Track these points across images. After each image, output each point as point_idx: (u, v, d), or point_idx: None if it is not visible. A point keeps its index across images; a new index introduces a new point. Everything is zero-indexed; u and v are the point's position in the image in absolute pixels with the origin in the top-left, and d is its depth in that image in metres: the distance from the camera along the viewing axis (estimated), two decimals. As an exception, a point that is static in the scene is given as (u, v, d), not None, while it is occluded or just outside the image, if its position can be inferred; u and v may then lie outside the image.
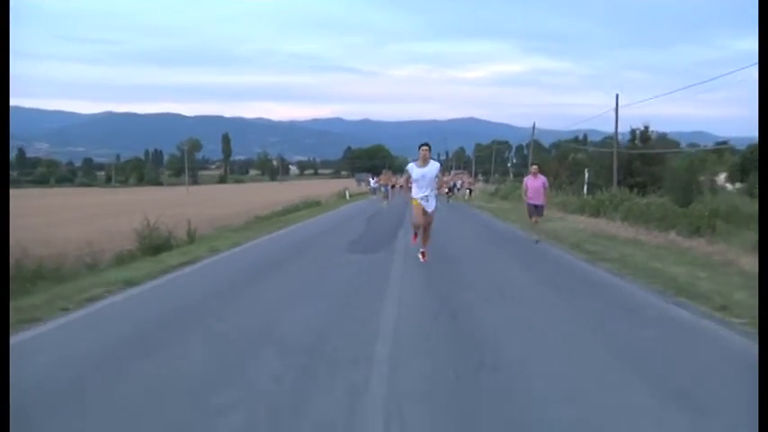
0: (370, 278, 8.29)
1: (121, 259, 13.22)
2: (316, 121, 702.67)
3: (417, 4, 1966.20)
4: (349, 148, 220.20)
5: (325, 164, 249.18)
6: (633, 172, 30.58)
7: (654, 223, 17.68)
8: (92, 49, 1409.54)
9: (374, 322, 5.53)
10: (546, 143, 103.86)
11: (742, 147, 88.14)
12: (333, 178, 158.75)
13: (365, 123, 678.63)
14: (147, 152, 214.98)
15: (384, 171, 39.21)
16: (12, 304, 6.67)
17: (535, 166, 14.56)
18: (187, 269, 9.27)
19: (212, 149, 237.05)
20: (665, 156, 31.29)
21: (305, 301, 6.68)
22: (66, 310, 6.17)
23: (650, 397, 3.70)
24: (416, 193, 9.45)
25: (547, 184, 14.20)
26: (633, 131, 33.10)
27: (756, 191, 42.09)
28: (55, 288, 8.12)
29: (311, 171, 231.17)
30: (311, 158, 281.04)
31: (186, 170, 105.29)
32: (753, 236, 13.04)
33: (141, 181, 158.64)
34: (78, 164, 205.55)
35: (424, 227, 9.57)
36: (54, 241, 16.25)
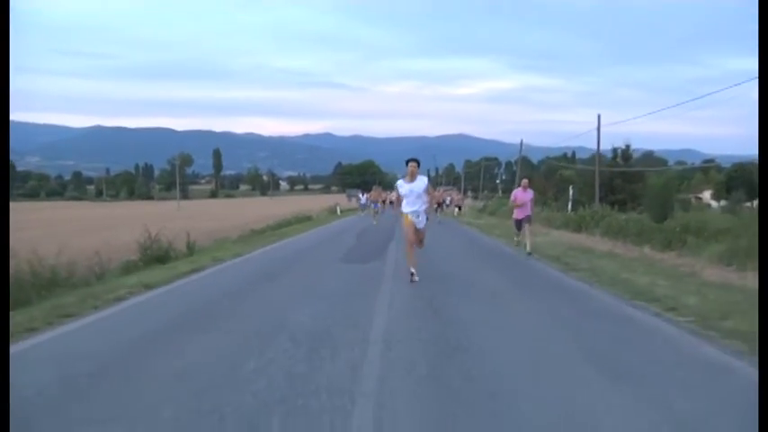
0: (364, 284, 9.20)
1: (127, 268, 13.99)
2: (306, 136, 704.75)
3: (408, 21, 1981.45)
4: (339, 163, 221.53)
5: (316, 179, 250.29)
6: (614, 189, 31.77)
7: (631, 238, 18.69)
8: (82, 63, 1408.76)
9: (368, 318, 6.42)
10: (535, 160, 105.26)
11: (728, 165, 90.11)
12: (323, 194, 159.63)
13: (356, 139, 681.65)
14: (137, 166, 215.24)
15: (374, 187, 39.95)
16: (45, 304, 7.56)
17: (526, 180, 15.07)
18: (196, 276, 10.15)
19: (202, 164, 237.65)
20: (645, 174, 32.42)
21: (308, 301, 7.59)
22: (96, 307, 7.06)
23: (594, 372, 4.62)
24: (406, 208, 9.46)
25: (533, 199, 14.58)
26: (615, 150, 34.36)
27: (738, 208, 43.15)
28: (75, 292, 8.97)
29: (301, 186, 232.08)
30: (301, 174, 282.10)
31: (177, 185, 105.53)
32: (719, 248, 14.07)
33: (132, 195, 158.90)
34: (68, 177, 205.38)
35: (418, 244, 9.66)
36: (58, 252, 17.01)
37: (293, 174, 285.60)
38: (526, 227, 14.11)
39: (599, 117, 29.10)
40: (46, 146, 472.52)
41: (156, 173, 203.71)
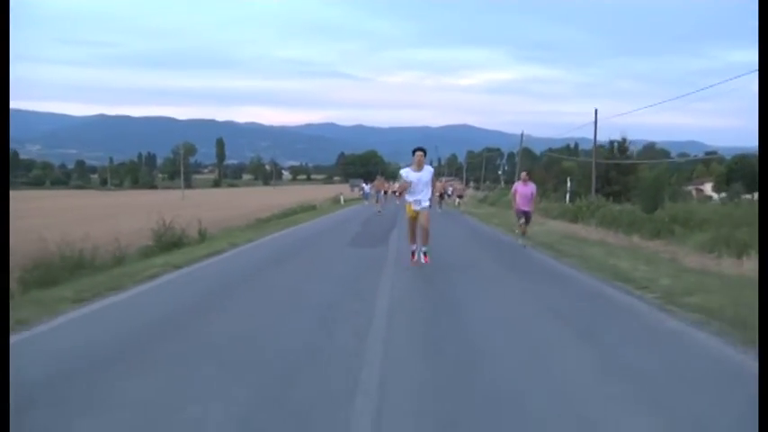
0: (370, 264, 10.11)
1: (145, 253, 14.86)
2: (308, 126, 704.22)
3: (411, 11, 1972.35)
4: (342, 153, 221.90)
5: (318, 169, 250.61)
6: (611, 181, 32.65)
7: (623, 228, 19.58)
8: (85, 51, 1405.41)
9: (374, 293, 7.33)
10: (538, 151, 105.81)
11: (731, 157, 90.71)
12: (325, 184, 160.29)
13: (358, 129, 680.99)
14: (140, 155, 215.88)
15: (378, 177, 40.77)
16: (84, 281, 8.45)
17: (525, 173, 14.81)
18: (216, 258, 11.09)
19: (205, 153, 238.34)
20: (640, 166, 33.32)
21: (320, 279, 8.58)
22: (137, 282, 8.04)
23: (560, 329, 5.55)
24: (411, 196, 9.66)
25: (535, 191, 14.40)
26: (611, 143, 35.21)
27: (737, 199, 43.89)
28: (108, 272, 9.86)
29: (304, 176, 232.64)
30: (304, 163, 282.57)
31: (182, 174, 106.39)
32: (703, 237, 14.96)
33: (136, 184, 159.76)
34: (71, 166, 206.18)
35: (423, 227, 9.64)
36: (74, 239, 17.89)
37: (295, 163, 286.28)
38: (523, 222, 13.99)
39: (596, 111, 29.96)
40: (48, 134, 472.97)
41: (159, 162, 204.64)
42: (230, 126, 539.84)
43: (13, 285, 9.50)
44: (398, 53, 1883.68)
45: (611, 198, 27.09)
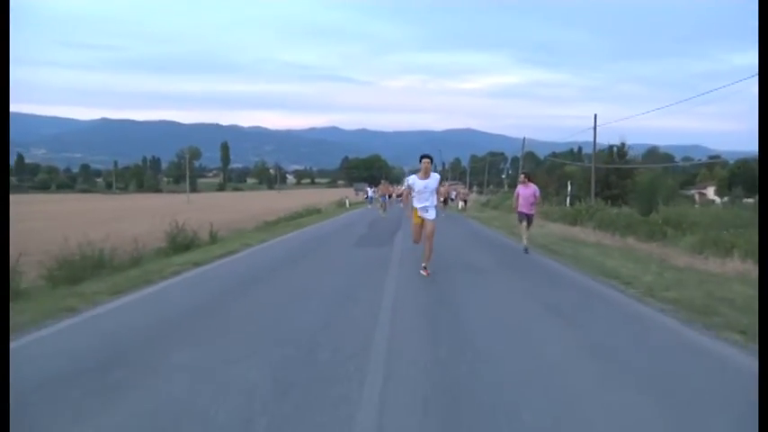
0: (377, 263, 10.88)
1: (160, 254, 15.58)
2: (312, 130, 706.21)
3: (414, 15, 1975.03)
4: (346, 157, 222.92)
5: (322, 173, 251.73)
6: (610, 185, 33.40)
7: (620, 230, 20.27)
8: (89, 55, 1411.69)
9: (381, 285, 8.11)
10: (542, 155, 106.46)
11: (734, 161, 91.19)
12: (329, 187, 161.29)
13: (362, 133, 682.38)
14: (144, 159, 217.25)
15: (382, 181, 41.47)
16: (113, 277, 9.21)
17: (523, 174, 14.61)
18: (232, 257, 11.88)
19: (209, 157, 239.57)
20: (639, 170, 34.09)
21: (332, 274, 9.40)
22: (164, 277, 8.83)
23: (542, 313, 6.29)
24: (417, 204, 9.60)
25: (538, 193, 14.18)
26: (611, 147, 36.02)
27: (737, 203, 44.33)
28: (132, 270, 10.61)
29: (308, 180, 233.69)
30: (308, 167, 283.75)
31: (187, 178, 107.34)
32: (693, 239, 15.66)
33: (141, 188, 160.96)
34: (75, 170, 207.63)
35: (427, 238, 9.56)
36: (89, 240, 18.69)
37: (299, 167, 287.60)
38: (525, 224, 13.87)
39: (595, 117, 30.69)
40: (52, 138, 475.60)
41: (164, 166, 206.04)
42: (235, 130, 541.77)
43: (41, 282, 10.30)
44: (401, 57, 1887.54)
45: (609, 201, 27.79)
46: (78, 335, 5.44)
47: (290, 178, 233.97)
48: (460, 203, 43.14)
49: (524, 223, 13.87)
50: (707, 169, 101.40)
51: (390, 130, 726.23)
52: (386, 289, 7.89)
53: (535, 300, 7.47)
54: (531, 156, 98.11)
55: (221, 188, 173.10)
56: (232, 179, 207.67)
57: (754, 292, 7.95)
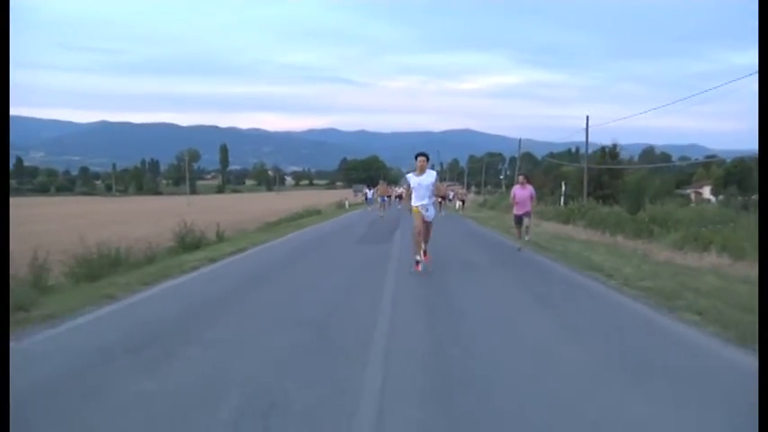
0: (378, 258, 11.74)
1: (171, 253, 16.34)
2: (311, 131, 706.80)
3: (412, 16, 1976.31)
4: (345, 159, 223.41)
5: (321, 174, 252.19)
6: (602, 185, 34.34)
7: (609, 228, 21.10)
8: (87, 58, 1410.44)
9: (382, 276, 8.94)
10: (540, 155, 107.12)
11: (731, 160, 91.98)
12: (328, 189, 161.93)
13: (360, 134, 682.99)
14: (143, 161, 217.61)
15: (381, 182, 42.07)
16: (134, 274, 10.01)
17: (522, 176, 14.89)
18: (243, 254, 12.74)
19: (208, 159, 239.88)
20: (627, 170, 35.07)
21: (337, 268, 10.27)
22: (183, 272, 9.67)
23: (528, 301, 7.11)
24: (415, 201, 9.84)
25: (534, 195, 14.48)
26: (603, 148, 36.99)
27: (732, 202, 45.03)
28: (150, 266, 11.42)
29: (306, 182, 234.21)
30: (306, 169, 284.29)
31: (187, 180, 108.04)
32: (676, 236, 16.48)
33: (140, 190, 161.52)
34: (74, 172, 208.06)
35: (425, 232, 9.90)
36: (98, 241, 19.50)
37: (298, 169, 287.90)
38: (524, 223, 14.07)
39: (587, 118, 31.64)
40: (51, 141, 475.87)
41: (163, 168, 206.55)
42: (233, 132, 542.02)
43: (62, 279, 11.09)
44: (399, 58, 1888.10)
45: (601, 201, 28.69)
46: (121, 318, 6.27)
47: (289, 180, 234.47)
48: (458, 203, 43.92)
49: (522, 226, 14.06)
50: (703, 168, 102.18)
51: (389, 131, 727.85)
52: (386, 280, 8.72)
53: (522, 287, 8.32)
54: (529, 156, 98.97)
55: (220, 190, 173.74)
56: (231, 181, 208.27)
57: (721, 283, 8.82)
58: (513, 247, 14.50)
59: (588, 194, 30.99)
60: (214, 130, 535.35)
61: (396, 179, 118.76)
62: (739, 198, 57.46)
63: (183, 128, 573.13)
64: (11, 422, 2.80)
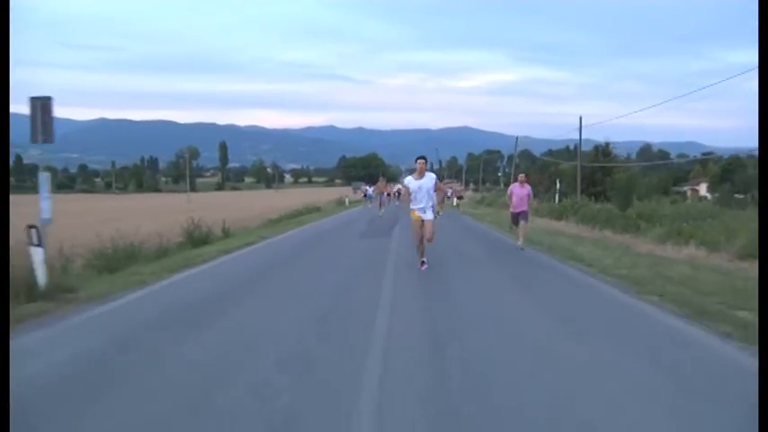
0: (378, 249, 12.67)
1: (181, 247, 17.20)
2: (309, 129, 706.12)
3: (411, 14, 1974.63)
4: (343, 156, 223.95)
5: (319, 172, 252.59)
6: (595, 182, 35.34)
7: (600, 224, 22.03)
8: (86, 55, 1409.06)
9: (382, 266, 9.89)
10: (538, 152, 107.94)
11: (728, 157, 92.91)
12: (327, 186, 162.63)
13: (359, 132, 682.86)
14: (142, 159, 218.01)
15: (380, 179, 42.68)
16: (155, 264, 10.90)
17: (522, 175, 15.05)
18: (252, 247, 13.67)
19: (206, 157, 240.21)
20: (617, 168, 36.11)
21: (342, 258, 11.29)
22: (204, 261, 10.62)
23: (512, 285, 8.05)
24: (414, 204, 9.78)
25: (531, 194, 14.54)
26: (596, 147, 38.03)
27: (728, 198, 45.86)
28: (168, 259, 12.30)
29: (305, 179, 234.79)
30: (305, 166, 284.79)
31: (188, 177, 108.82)
32: (661, 231, 17.40)
33: (140, 187, 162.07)
34: (73, 170, 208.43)
35: (427, 240, 9.79)
36: (114, 236, 20.41)
37: (296, 166, 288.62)
38: (521, 222, 14.05)
39: (580, 118, 32.65)
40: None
41: (162, 165, 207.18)
42: (232, 129, 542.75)
43: (83, 271, 11.95)
44: (398, 55, 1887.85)
45: (594, 198, 29.68)
46: (158, 296, 7.23)
47: (288, 177, 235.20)
48: (455, 200, 44.87)
49: (521, 224, 14.01)
50: (700, 166, 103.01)
51: (388, 128, 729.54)
52: (387, 269, 9.65)
53: (507, 275, 9.27)
54: (527, 153, 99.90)
55: (219, 187, 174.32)
56: (230, 178, 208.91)
57: (691, 272, 9.76)
58: (505, 241, 15.44)
59: (581, 192, 31.98)
60: (213, 127, 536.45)
61: (395, 176, 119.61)
62: (735, 195, 58.31)
63: (181, 125, 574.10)
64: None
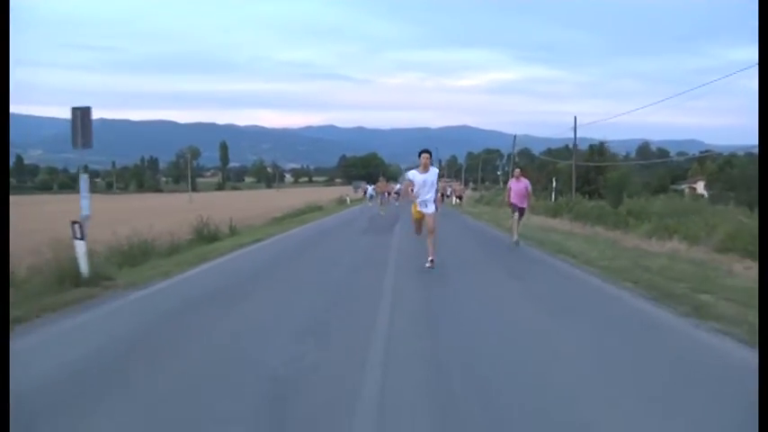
0: (380, 245, 13.52)
1: (192, 244, 18.02)
2: (309, 128, 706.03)
3: (411, 13, 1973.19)
4: (343, 155, 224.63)
5: (319, 171, 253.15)
6: (590, 181, 36.26)
7: (592, 220, 22.88)
8: (86, 56, 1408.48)
9: (384, 262, 10.75)
10: (537, 150, 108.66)
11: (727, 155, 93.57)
12: (327, 186, 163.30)
13: (359, 131, 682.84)
14: (142, 159, 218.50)
15: (380, 178, 43.36)
16: (173, 259, 11.75)
17: (518, 170, 15.35)
18: (261, 243, 14.57)
19: (206, 156, 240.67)
20: (617, 166, 36.99)
21: (346, 253, 12.12)
22: (221, 254, 11.53)
23: (503, 275, 8.93)
24: (418, 198, 9.85)
25: (530, 188, 14.66)
26: (591, 146, 38.99)
27: (723, 196, 46.59)
28: (184, 253, 13.16)
29: (305, 179, 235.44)
30: (305, 166, 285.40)
31: (189, 177, 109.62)
32: (649, 227, 18.25)
33: (141, 187, 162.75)
34: (73, 170, 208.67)
35: (429, 232, 9.89)
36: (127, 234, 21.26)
37: (296, 166, 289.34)
38: (516, 217, 14.21)
39: (575, 118, 33.62)
40: (49, 138, 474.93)
41: (162, 165, 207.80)
42: (231, 129, 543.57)
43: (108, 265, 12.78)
44: (398, 54, 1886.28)
45: (588, 196, 30.62)
46: (187, 284, 8.11)
47: (288, 177, 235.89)
48: (455, 199, 45.70)
49: (516, 216, 14.18)
50: (698, 164, 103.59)
51: (387, 127, 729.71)
52: (388, 263, 10.51)
53: (500, 266, 10.12)
54: (526, 152, 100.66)
55: (220, 187, 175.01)
56: (230, 178, 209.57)
57: (669, 263, 10.59)
58: (500, 237, 16.29)
59: (576, 190, 32.89)
60: (212, 127, 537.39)
61: (395, 175, 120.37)
62: (729, 193, 58.90)
63: (181, 125, 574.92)
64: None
